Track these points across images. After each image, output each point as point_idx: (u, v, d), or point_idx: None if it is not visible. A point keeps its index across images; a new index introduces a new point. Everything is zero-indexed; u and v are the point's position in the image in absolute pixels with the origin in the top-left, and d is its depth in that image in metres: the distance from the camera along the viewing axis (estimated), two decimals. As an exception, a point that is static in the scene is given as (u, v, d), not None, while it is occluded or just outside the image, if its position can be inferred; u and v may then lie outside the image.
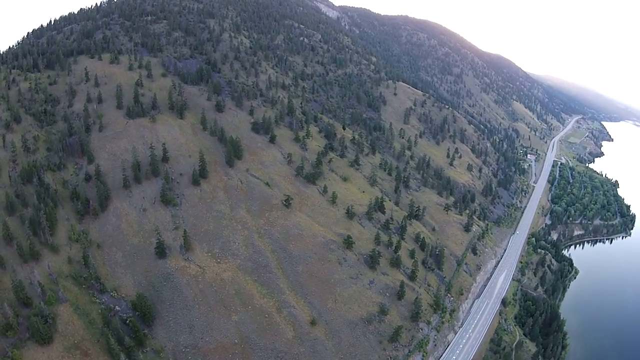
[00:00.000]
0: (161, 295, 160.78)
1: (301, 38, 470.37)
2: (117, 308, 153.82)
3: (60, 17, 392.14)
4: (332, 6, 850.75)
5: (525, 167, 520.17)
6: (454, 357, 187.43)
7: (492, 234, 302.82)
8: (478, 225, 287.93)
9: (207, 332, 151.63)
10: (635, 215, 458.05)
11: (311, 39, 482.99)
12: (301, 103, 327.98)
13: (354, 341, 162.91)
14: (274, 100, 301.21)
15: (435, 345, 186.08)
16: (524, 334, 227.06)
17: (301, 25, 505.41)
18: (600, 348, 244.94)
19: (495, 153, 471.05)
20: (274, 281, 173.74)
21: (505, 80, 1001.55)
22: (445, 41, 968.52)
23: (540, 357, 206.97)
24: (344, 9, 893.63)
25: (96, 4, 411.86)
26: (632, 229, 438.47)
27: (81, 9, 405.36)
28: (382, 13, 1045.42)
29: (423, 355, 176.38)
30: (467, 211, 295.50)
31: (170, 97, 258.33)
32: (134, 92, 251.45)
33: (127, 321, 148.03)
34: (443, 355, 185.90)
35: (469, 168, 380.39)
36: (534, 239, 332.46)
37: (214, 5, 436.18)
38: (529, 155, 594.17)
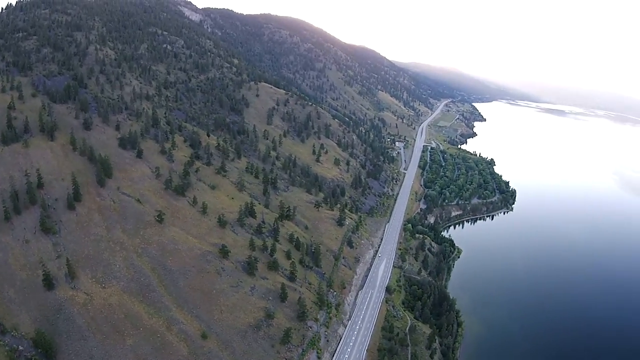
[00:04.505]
0: (57, 328, 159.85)
1: (164, 45, 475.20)
2: (21, 348, 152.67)
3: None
4: (195, 9, 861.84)
5: (394, 155, 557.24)
6: (349, 350, 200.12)
7: (366, 225, 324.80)
8: (351, 218, 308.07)
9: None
10: (515, 191, 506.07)
11: (174, 46, 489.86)
12: (165, 113, 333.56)
13: (247, 348, 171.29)
14: (139, 113, 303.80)
15: (328, 340, 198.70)
16: (415, 317, 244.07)
17: (164, 32, 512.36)
18: (496, 320, 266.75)
19: (362, 145, 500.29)
20: (159, 299, 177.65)
21: (369, 71, 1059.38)
22: (308, 37, 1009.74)
23: (436, 337, 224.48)
24: (206, 12, 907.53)
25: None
26: (513, 203, 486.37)
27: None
28: (245, 12, 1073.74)
29: (317, 352, 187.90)
30: (339, 206, 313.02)
31: (41, 118, 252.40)
32: (6, 116, 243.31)
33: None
34: (338, 349, 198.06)
35: (336, 162, 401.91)
36: (410, 224, 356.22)
37: (81, 16, 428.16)
38: (397, 143, 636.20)
